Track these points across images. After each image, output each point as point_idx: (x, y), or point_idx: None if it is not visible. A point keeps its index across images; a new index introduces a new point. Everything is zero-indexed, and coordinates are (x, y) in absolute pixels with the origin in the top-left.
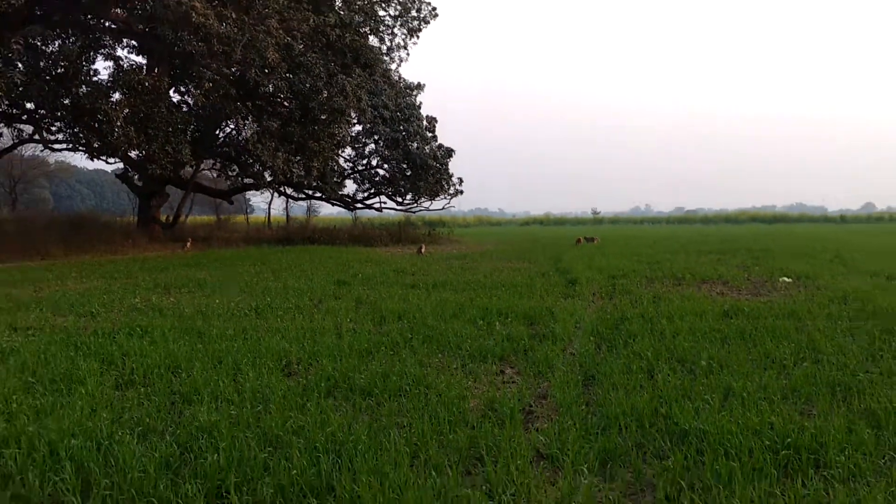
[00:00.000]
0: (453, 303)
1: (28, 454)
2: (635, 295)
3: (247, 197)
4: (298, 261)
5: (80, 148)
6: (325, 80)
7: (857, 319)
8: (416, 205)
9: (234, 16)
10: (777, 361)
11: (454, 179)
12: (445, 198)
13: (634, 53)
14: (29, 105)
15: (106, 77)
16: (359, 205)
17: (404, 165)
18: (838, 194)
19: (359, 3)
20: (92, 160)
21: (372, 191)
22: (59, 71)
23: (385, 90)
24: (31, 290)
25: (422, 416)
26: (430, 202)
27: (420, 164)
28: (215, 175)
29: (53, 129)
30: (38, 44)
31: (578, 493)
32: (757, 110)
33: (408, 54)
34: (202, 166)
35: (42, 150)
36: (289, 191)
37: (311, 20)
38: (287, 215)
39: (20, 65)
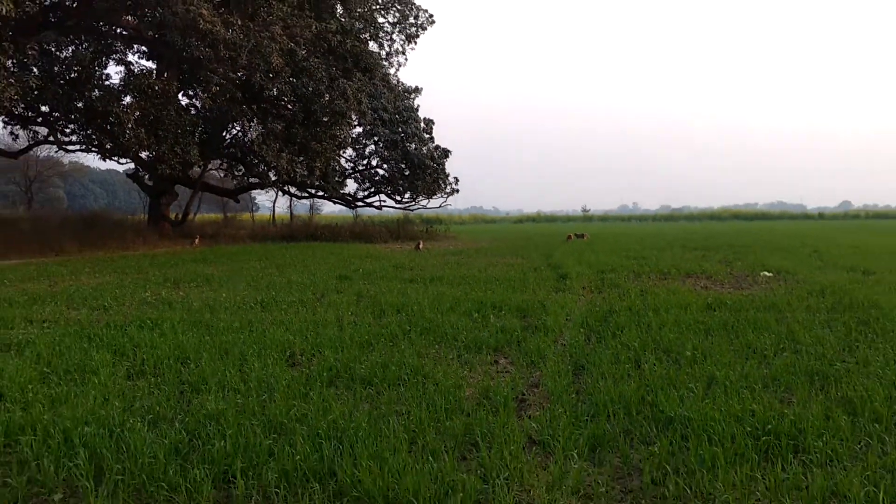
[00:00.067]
0: (450, 296)
1: (43, 441)
2: (623, 289)
3: (252, 196)
4: (302, 257)
5: (93, 149)
6: (326, 84)
7: (834, 312)
8: (414, 203)
9: (239, 23)
10: (758, 352)
11: (450, 179)
12: (442, 196)
13: (625, 61)
14: (44, 108)
15: (117, 81)
16: (359, 203)
17: (403, 165)
18: (817, 193)
19: (359, 10)
20: (104, 161)
21: (372, 190)
22: (72, 75)
23: (384, 94)
24: (47, 284)
25: (419, 404)
26: (427, 200)
27: (418, 164)
28: (222, 175)
29: (67, 130)
30: (53, 49)
31: (569, 477)
32: (740, 118)
33: (406, 59)
34: (209, 166)
35: (56, 151)
36: (292, 190)
37: (314, 27)
38: (291, 213)
39: (35, 69)
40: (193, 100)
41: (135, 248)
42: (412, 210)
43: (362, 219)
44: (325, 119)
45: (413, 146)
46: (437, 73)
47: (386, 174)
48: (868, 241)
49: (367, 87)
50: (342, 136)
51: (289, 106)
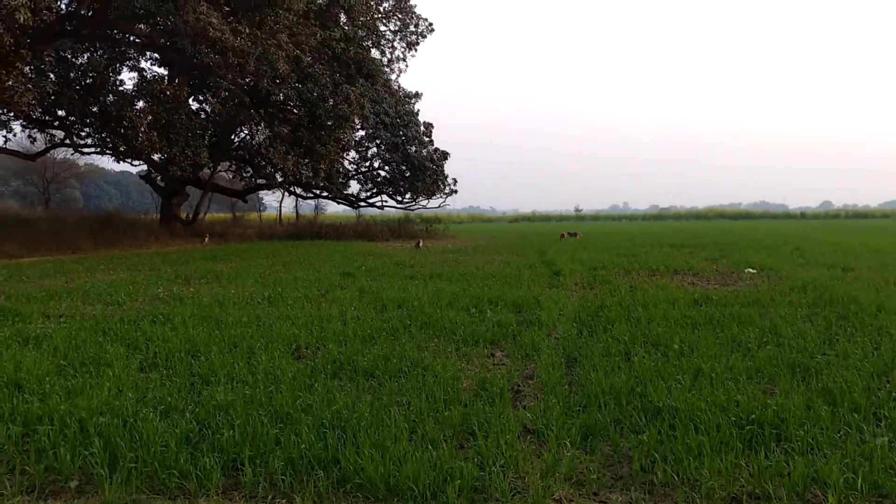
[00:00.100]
0: (448, 292)
1: (60, 430)
2: (614, 285)
3: (260, 196)
4: (307, 254)
5: (108, 151)
6: (331, 90)
7: (815, 307)
8: (414, 203)
9: (247, 31)
10: (742, 345)
11: (449, 180)
12: (441, 197)
13: (618, 66)
14: (60, 112)
15: (131, 87)
16: (362, 203)
17: (403, 167)
18: (799, 194)
19: (362, 19)
20: (118, 163)
21: (374, 190)
22: (87, 81)
23: (386, 98)
24: (63, 281)
25: (419, 395)
26: (427, 201)
27: (418, 166)
28: (231, 176)
29: (83, 134)
30: (69, 56)
31: (562, 464)
32: (726, 121)
33: (406, 66)
34: (219, 168)
35: (72, 154)
36: (298, 190)
37: (319, 35)
38: (297, 213)
39: (52, 75)
40: (203, 104)
41: (147, 246)
42: (412, 210)
43: (365, 218)
44: (330, 123)
45: (413, 149)
46: (439, 78)
47: (387, 176)
48: (847, 240)
49: (369, 92)
50: (346, 140)
51: (294, 110)
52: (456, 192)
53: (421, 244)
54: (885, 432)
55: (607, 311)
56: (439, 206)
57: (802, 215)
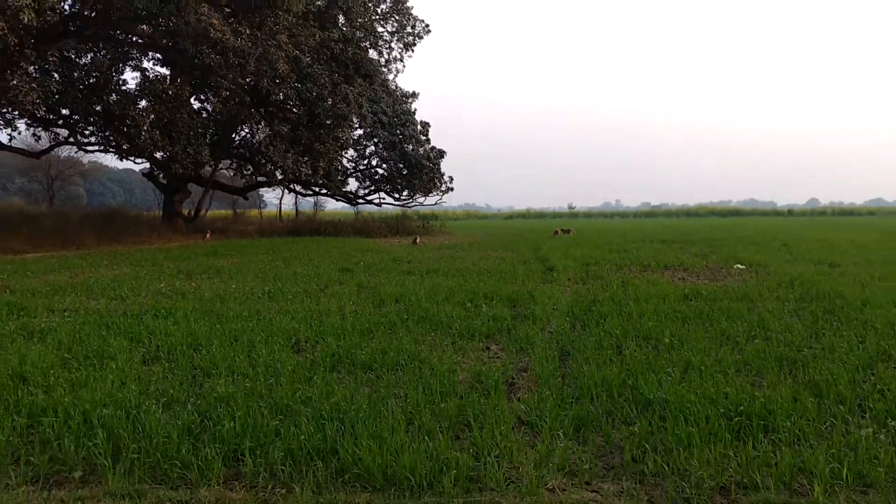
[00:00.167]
0: (445, 287)
1: (64, 422)
2: (606, 280)
3: (260, 193)
4: (306, 250)
5: (111, 149)
6: (329, 89)
7: (803, 301)
8: (411, 200)
9: (248, 31)
10: (731, 338)
11: (445, 178)
12: (438, 194)
13: (612, 67)
14: (64, 111)
15: (133, 86)
16: (360, 200)
17: (401, 165)
18: (786, 191)
19: (360, 20)
20: (121, 160)
21: (372, 188)
22: (91, 81)
23: (383, 98)
24: (68, 276)
25: (416, 387)
26: (424, 198)
27: (415, 164)
28: (232, 174)
29: (87, 132)
30: (73, 56)
31: (555, 454)
32: (715, 120)
33: (404, 66)
34: (220, 166)
35: (76, 152)
36: (298, 188)
37: (317, 35)
38: (296, 210)
39: (56, 75)
40: (205, 104)
41: (150, 242)
42: (410, 207)
43: (363, 215)
44: (328, 122)
45: (410, 147)
46: (437, 78)
47: (385, 173)
48: (834, 237)
49: (367, 91)
50: (344, 138)
51: (294, 109)
52: (452, 189)
53: (418, 240)
54: (869, 423)
55: (600, 305)
56: (436, 204)
57: (790, 212)
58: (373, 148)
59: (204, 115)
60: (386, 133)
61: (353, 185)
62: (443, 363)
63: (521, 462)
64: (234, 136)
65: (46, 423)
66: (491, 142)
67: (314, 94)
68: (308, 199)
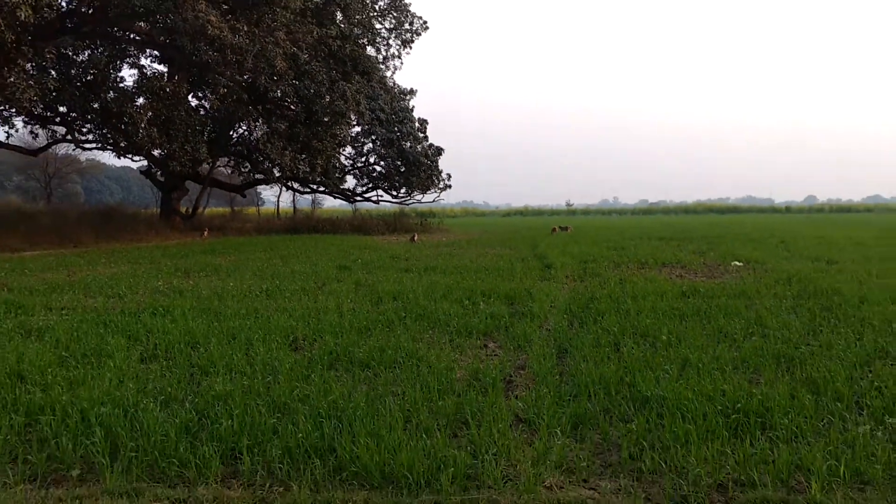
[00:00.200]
0: (442, 285)
1: (62, 420)
2: (604, 277)
3: (258, 191)
4: (304, 248)
5: (109, 147)
6: (327, 86)
7: (800, 299)
8: (409, 198)
9: (245, 28)
10: (729, 336)
11: (443, 175)
12: (435, 191)
13: (608, 65)
14: (62, 108)
15: (131, 83)
16: (358, 198)
17: (399, 162)
18: (784, 188)
19: (358, 17)
20: (119, 158)
21: (370, 185)
22: (88, 78)
23: (381, 95)
24: (65, 274)
25: (414, 385)
26: (421, 195)
27: (413, 161)
28: (229, 171)
29: (84, 130)
30: (70, 53)
31: (553, 452)
32: (714, 118)
33: (401, 63)
34: (218, 163)
35: (74, 149)
36: (295, 185)
37: (315, 32)
38: (294, 207)
39: (53, 72)
40: (202, 101)
41: (148, 240)
42: (407, 204)
43: (361, 212)
44: (326, 119)
45: (408, 144)
46: (435, 75)
47: (383, 171)
48: (831, 233)
49: (365, 88)
50: (342, 135)
51: (292, 107)
52: (450, 186)
53: (416, 238)
54: (866, 420)
55: (597, 303)
56: (433, 201)
57: (788, 209)
58: (370, 145)
59: (201, 113)
60: (384, 130)
61: (350, 182)
62: (440, 361)
63: (519, 460)
64: (231, 133)
65: (44, 422)
66: (489, 139)
67: (312, 91)
68: (306, 196)
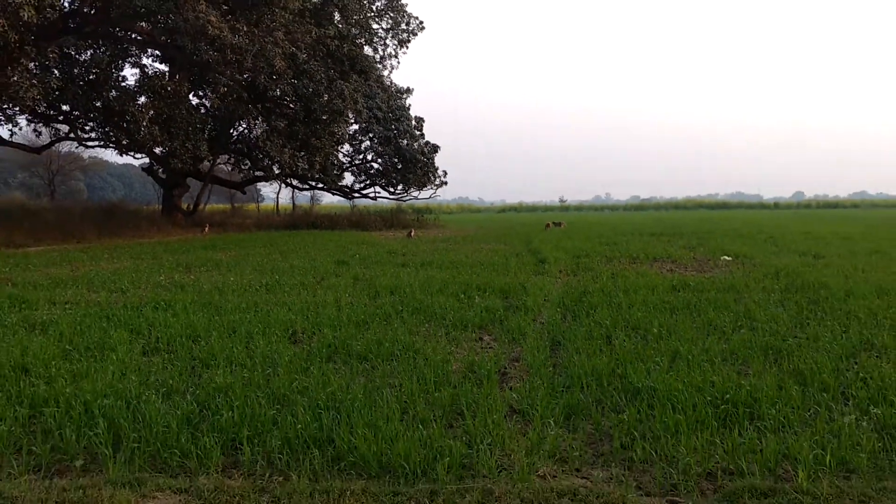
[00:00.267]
0: (438, 279)
1: (66, 412)
2: (596, 272)
3: (257, 187)
4: (303, 243)
5: (111, 145)
6: (325, 85)
7: (788, 292)
8: (406, 194)
9: (245, 28)
10: (718, 328)
11: (439, 172)
12: (432, 188)
13: (602, 63)
14: (65, 107)
15: (133, 82)
16: (356, 194)
17: (396, 160)
18: (772, 184)
19: (355, 17)
20: (121, 155)
21: (367, 182)
22: (91, 77)
23: (378, 94)
24: (68, 269)
25: (411, 377)
26: (418, 192)
27: (409, 158)
28: (230, 168)
29: (87, 128)
30: (72, 53)
31: (546, 442)
32: (703, 115)
33: (398, 62)
34: (218, 161)
35: (77, 147)
36: (294, 182)
37: (314, 32)
38: (293, 203)
39: (56, 71)
40: (203, 100)
41: (150, 236)
42: (404, 200)
43: (359, 209)
44: (325, 117)
45: (405, 142)
46: (431, 73)
47: (380, 168)
48: (818, 229)
49: (362, 87)
50: (340, 133)
51: (291, 105)
52: (446, 183)
53: (412, 234)
54: (852, 411)
55: (590, 296)
56: (430, 197)
57: (776, 205)
58: (368, 143)
59: (202, 111)
60: (381, 128)
61: (348, 179)
62: (437, 353)
63: (513, 449)
64: (231, 131)
65: (48, 414)
66: (484, 138)
67: (310, 90)
68: (305, 193)
